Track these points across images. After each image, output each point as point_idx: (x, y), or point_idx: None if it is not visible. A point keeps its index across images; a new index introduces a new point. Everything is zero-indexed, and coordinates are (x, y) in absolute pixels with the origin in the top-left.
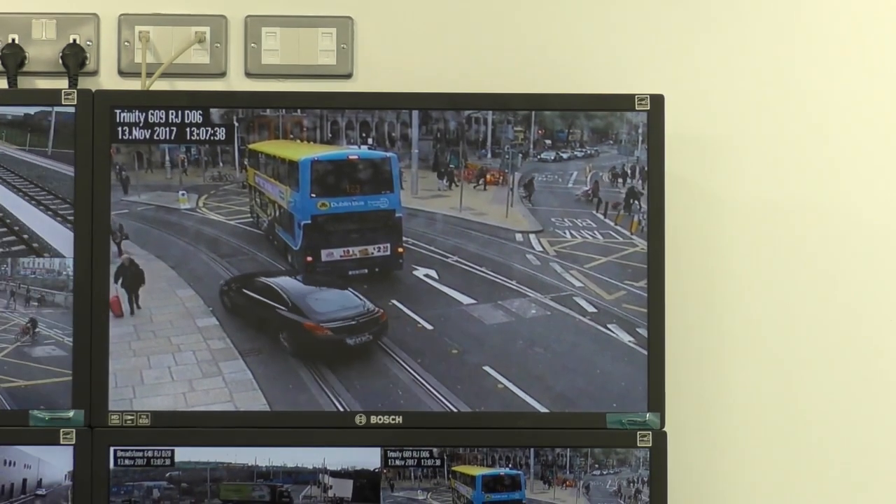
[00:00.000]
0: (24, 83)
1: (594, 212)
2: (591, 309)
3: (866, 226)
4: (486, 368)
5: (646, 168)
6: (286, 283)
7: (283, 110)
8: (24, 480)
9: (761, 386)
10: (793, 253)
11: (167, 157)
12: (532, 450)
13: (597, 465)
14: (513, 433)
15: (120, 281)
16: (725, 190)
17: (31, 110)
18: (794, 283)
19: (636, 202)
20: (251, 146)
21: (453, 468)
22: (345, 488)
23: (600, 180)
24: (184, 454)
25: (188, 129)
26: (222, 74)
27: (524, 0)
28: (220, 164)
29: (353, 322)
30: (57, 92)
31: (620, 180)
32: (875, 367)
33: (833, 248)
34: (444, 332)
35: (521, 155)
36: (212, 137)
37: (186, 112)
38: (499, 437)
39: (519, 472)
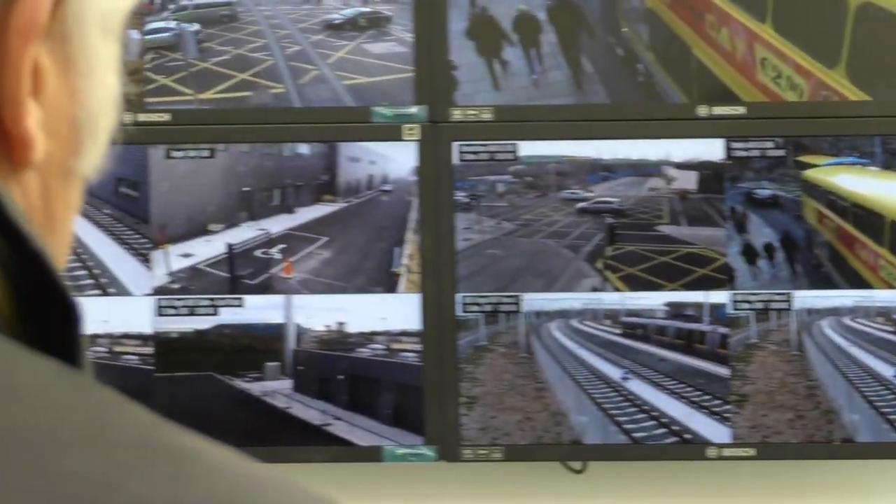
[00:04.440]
0: None
1: None
2: None
3: None
4: None
5: None
6: None
7: None
8: (370, 177)
9: None
10: None
11: None
12: (878, 138)
13: None
14: (859, 122)
15: None
16: None
17: None
18: None
19: None
20: None
21: (797, 158)
22: (689, 180)
23: None
24: (527, 148)
25: None
26: None
27: None
28: None
29: None
30: None
31: None
32: None
33: None
34: None
35: None
36: None
37: None
38: (844, 126)
39: (865, 161)
